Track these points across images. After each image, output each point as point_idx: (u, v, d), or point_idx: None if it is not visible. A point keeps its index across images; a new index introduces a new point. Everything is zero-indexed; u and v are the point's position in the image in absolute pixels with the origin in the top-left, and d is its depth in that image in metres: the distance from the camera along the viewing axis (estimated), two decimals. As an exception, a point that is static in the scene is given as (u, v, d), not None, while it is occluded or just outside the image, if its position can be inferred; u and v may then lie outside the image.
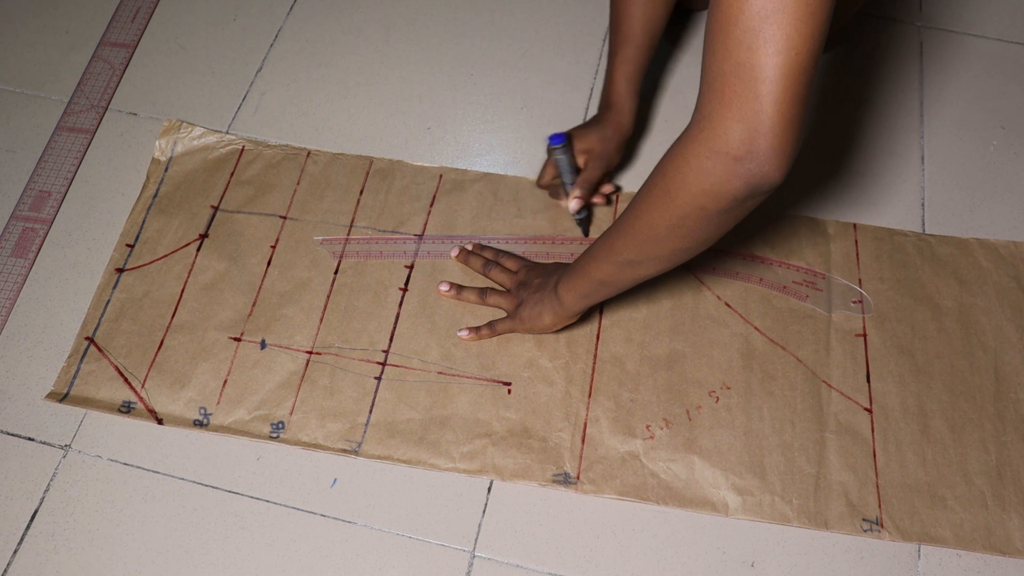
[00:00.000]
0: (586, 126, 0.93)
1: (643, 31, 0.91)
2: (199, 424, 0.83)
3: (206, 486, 0.81)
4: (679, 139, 0.60)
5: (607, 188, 0.95)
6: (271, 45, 1.11)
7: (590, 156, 0.92)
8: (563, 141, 0.89)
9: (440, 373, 0.86)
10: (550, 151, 0.91)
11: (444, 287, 0.90)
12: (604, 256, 0.72)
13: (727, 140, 0.55)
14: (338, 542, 0.78)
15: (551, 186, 0.94)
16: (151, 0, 1.15)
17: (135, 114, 1.05)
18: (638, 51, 0.92)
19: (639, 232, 0.67)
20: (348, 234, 0.94)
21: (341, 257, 0.92)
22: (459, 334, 0.87)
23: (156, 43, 1.11)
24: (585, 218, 0.94)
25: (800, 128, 0.55)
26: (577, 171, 0.92)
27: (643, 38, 0.92)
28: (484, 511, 0.80)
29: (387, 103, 1.06)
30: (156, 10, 1.15)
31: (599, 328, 0.88)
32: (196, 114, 1.04)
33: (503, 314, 0.88)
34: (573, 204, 0.90)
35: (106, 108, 1.05)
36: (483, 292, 0.89)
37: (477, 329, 0.87)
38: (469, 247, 0.92)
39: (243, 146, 1.01)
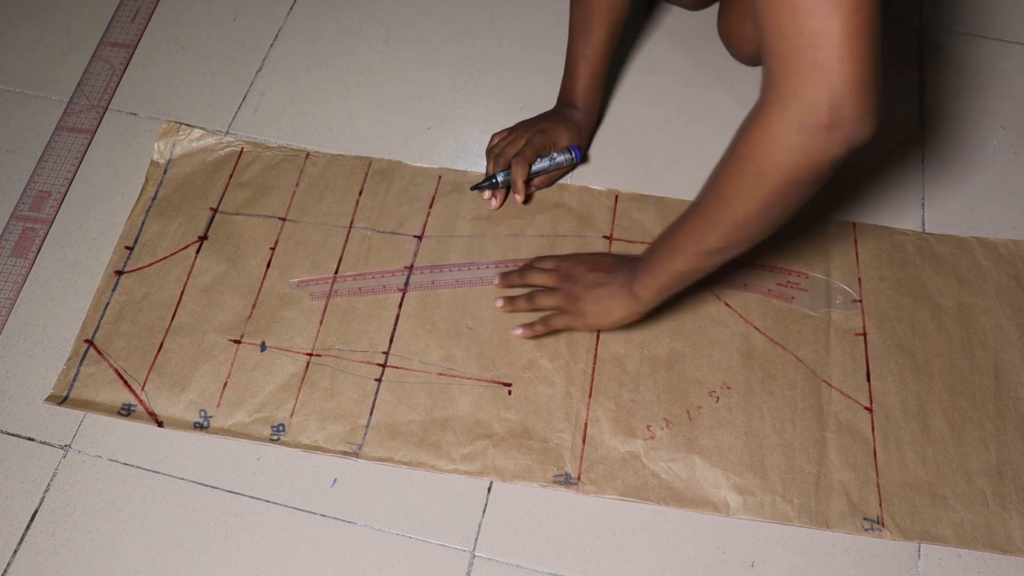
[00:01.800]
0: (559, 118, 0.96)
1: (607, 24, 0.92)
2: (199, 427, 0.83)
3: (206, 486, 0.81)
4: (756, 119, 0.60)
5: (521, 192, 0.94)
6: (271, 45, 1.11)
7: (544, 139, 0.95)
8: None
9: (440, 374, 0.86)
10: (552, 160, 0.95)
11: (499, 303, 0.87)
12: (689, 248, 0.71)
13: (816, 111, 0.56)
14: (338, 542, 0.78)
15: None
16: (151, 0, 1.15)
17: (135, 114, 1.05)
18: (602, 45, 0.93)
19: (729, 218, 0.66)
20: (347, 235, 0.94)
21: (328, 298, 0.90)
22: (514, 332, 0.86)
23: (156, 43, 1.12)
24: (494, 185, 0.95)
25: (879, 79, 0.56)
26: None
27: (607, 32, 0.92)
28: (484, 511, 0.80)
29: (387, 103, 1.06)
30: (156, 10, 1.15)
31: (599, 328, 0.88)
32: (196, 114, 1.04)
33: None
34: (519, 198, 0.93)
35: (106, 108, 1.05)
36: (530, 297, 0.86)
37: (531, 326, 0.85)
38: (507, 270, 0.91)
39: (242, 148, 1.01)
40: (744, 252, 0.70)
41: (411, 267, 0.93)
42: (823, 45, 0.54)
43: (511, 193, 0.95)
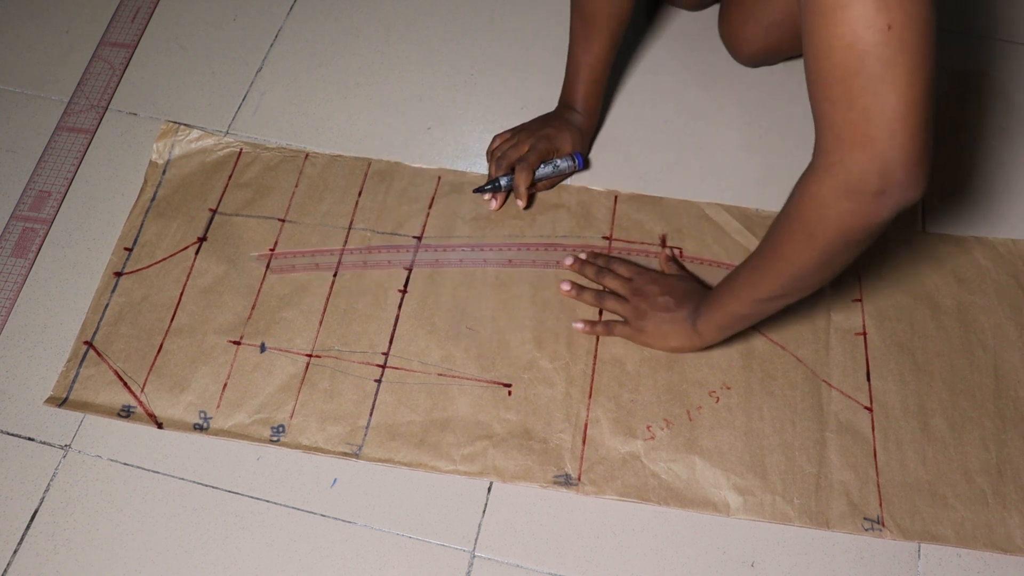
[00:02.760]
0: (562, 123, 0.96)
1: (608, 32, 0.92)
2: (199, 428, 0.83)
3: (206, 486, 0.81)
4: (807, 183, 0.61)
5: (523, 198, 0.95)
6: (271, 45, 1.11)
7: (548, 145, 0.95)
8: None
9: (440, 375, 0.86)
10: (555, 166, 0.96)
11: (566, 286, 0.90)
12: (746, 295, 0.74)
13: (865, 180, 0.56)
14: (338, 542, 0.78)
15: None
16: (151, 0, 1.16)
17: (135, 114, 1.05)
18: (603, 52, 0.93)
19: (784, 272, 0.68)
20: (347, 236, 0.94)
21: (336, 270, 0.92)
22: (575, 325, 0.88)
23: (156, 43, 1.12)
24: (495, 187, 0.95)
25: (931, 145, 0.56)
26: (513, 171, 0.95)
27: (608, 39, 0.92)
28: (484, 511, 0.80)
29: (387, 103, 1.06)
30: (156, 10, 1.15)
31: (599, 328, 0.88)
32: (196, 114, 1.04)
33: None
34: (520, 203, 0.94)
35: (106, 108, 1.05)
36: (600, 296, 0.89)
37: (593, 324, 0.87)
38: (584, 256, 0.92)
39: (241, 148, 1.00)
40: (802, 298, 0.72)
41: (419, 239, 0.94)
42: (875, 120, 0.54)
43: (513, 197, 0.95)
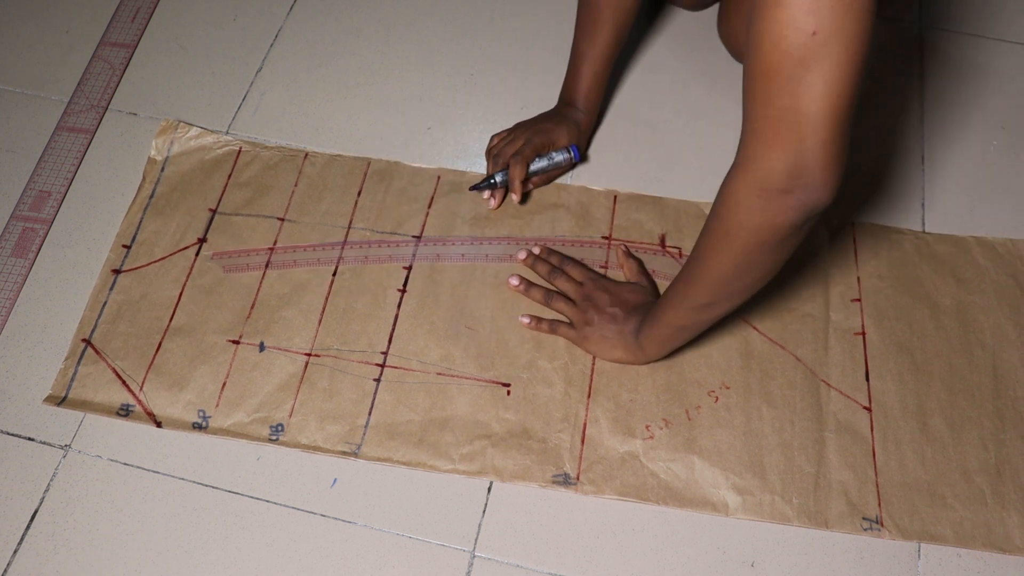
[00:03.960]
0: (559, 118, 0.97)
1: (613, 25, 0.92)
2: (198, 427, 0.83)
3: (206, 486, 0.81)
4: (727, 180, 0.62)
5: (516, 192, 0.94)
6: (271, 45, 1.11)
7: (544, 138, 0.95)
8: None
9: (439, 374, 0.86)
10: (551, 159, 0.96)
11: (514, 280, 0.90)
12: (679, 303, 0.74)
13: (774, 179, 0.57)
14: (338, 542, 0.78)
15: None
16: (151, 0, 1.16)
17: (135, 114, 1.05)
18: (607, 47, 0.94)
19: (708, 275, 0.68)
20: (346, 235, 0.94)
21: (337, 264, 0.92)
22: (520, 320, 0.88)
23: (156, 43, 1.12)
24: (491, 185, 0.95)
25: (844, 153, 0.57)
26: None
27: (613, 32, 0.93)
28: (484, 511, 0.80)
29: (387, 103, 1.06)
30: (156, 10, 1.15)
31: (598, 328, 0.88)
32: (196, 114, 1.04)
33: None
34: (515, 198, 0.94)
35: (106, 108, 1.05)
36: (549, 295, 0.88)
37: (539, 321, 0.87)
38: (536, 251, 0.92)
39: (240, 147, 1.01)
40: (742, 303, 0.71)
41: (418, 238, 0.94)
42: (789, 121, 0.55)
43: (509, 192, 0.95)
